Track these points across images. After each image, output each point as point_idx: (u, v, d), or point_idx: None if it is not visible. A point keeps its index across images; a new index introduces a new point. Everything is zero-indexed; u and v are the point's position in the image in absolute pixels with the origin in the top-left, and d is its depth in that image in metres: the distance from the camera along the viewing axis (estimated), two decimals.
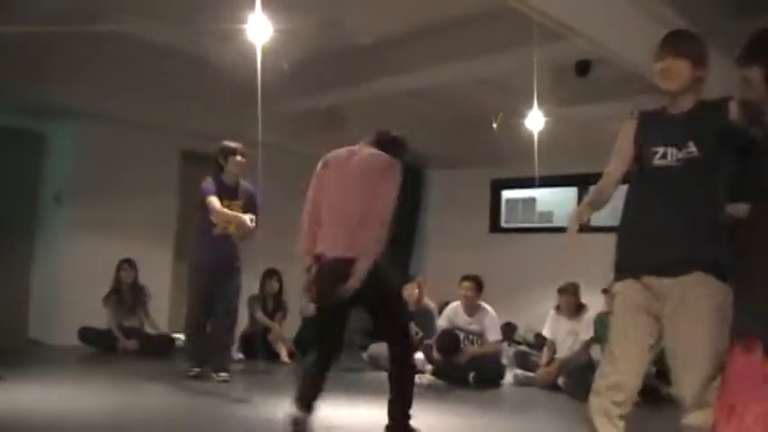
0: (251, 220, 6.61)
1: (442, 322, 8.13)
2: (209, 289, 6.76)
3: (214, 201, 6.62)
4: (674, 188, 3.15)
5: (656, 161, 3.20)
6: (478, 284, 7.99)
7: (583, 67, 8.42)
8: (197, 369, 6.73)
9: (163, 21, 7.65)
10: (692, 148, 3.11)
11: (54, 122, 9.13)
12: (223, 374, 6.71)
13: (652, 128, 3.30)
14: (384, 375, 7.94)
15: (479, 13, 7.32)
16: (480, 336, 7.91)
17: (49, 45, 7.48)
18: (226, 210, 6.65)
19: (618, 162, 3.42)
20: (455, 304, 8.13)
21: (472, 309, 7.98)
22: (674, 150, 3.15)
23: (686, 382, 3.06)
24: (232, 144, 6.90)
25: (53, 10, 7.09)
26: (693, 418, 3.01)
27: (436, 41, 7.85)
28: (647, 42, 6.11)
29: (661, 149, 3.19)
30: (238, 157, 6.84)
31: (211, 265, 6.75)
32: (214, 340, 6.87)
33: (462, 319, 7.98)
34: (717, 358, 2.90)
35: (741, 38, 6.43)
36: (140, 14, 7.55)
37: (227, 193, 6.79)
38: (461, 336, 7.90)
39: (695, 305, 3.01)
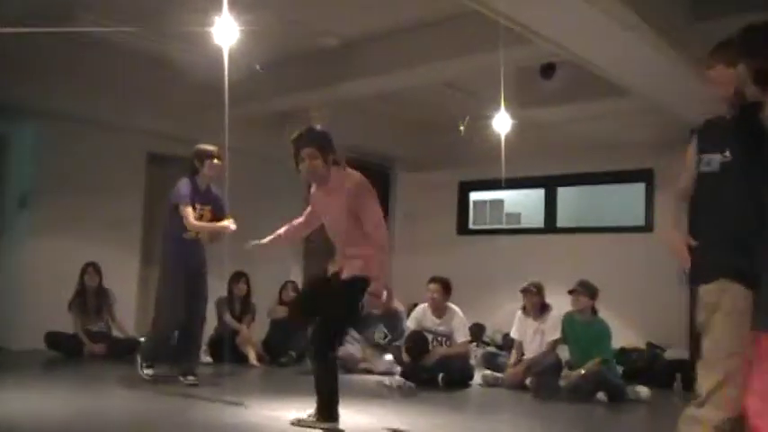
0: (230, 223, 6.68)
1: (410, 324, 8.15)
2: (186, 292, 6.73)
3: (190, 212, 6.59)
4: (712, 195, 3.19)
5: (702, 168, 3.23)
6: (446, 286, 8.01)
7: (548, 70, 8.49)
8: (150, 371, 6.66)
9: (129, 23, 7.61)
10: (727, 153, 3.12)
11: (17, 123, 9.02)
12: (191, 378, 6.67)
13: (704, 136, 3.32)
14: (352, 378, 8.01)
15: (445, 16, 7.37)
16: (448, 337, 7.93)
17: (10, 45, 7.40)
18: (202, 223, 6.65)
19: (685, 173, 3.40)
20: (423, 306, 8.15)
21: (440, 310, 8.01)
22: (717, 157, 3.17)
23: (703, 380, 3.08)
24: (208, 147, 6.83)
25: (16, 9, 7.03)
26: (700, 411, 3.04)
27: (402, 44, 7.89)
28: (611, 45, 6.22)
29: (706, 156, 3.22)
30: (215, 161, 6.79)
31: (185, 268, 6.70)
32: (189, 343, 6.85)
33: (430, 321, 8.00)
34: (735, 360, 2.91)
35: (702, 40, 6.52)
36: (107, 16, 7.51)
37: (200, 198, 6.76)
38: (430, 337, 7.93)
39: (720, 311, 3.04)
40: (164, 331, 6.93)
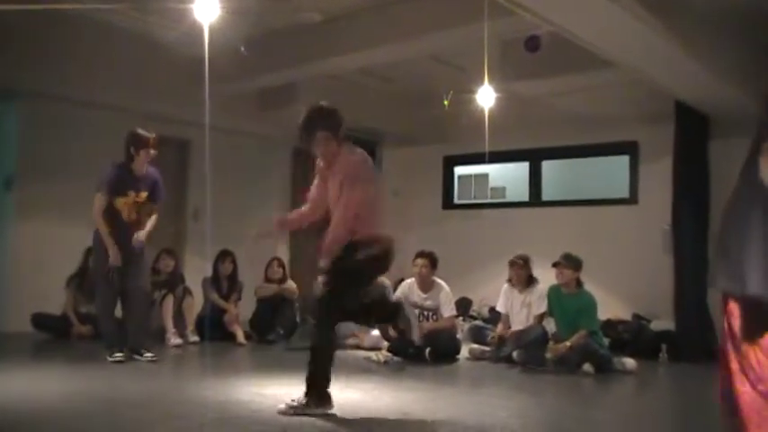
0: (142, 236, 6.78)
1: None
2: (118, 272, 6.72)
3: (100, 203, 6.62)
4: None
5: None
6: (433, 261, 8.03)
7: (532, 43, 8.46)
8: (120, 354, 6.62)
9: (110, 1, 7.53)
10: None
11: (0, 104, 8.92)
12: (148, 354, 6.73)
13: None
14: (340, 354, 8.00)
15: None
16: (435, 312, 7.96)
17: None
18: (102, 222, 6.63)
19: None
20: (410, 281, 8.17)
21: (427, 285, 8.03)
22: None
23: None
24: (144, 134, 6.77)
25: None
26: None
27: (385, 18, 7.84)
28: (595, 17, 6.19)
29: None
30: (151, 151, 6.74)
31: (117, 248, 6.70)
32: (131, 322, 6.88)
33: (417, 296, 8.02)
34: None
35: (687, 12, 6.51)
36: None
37: (133, 185, 6.74)
38: (416, 312, 7.95)
39: None
40: (105, 315, 6.93)
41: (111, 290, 6.74)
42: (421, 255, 8.07)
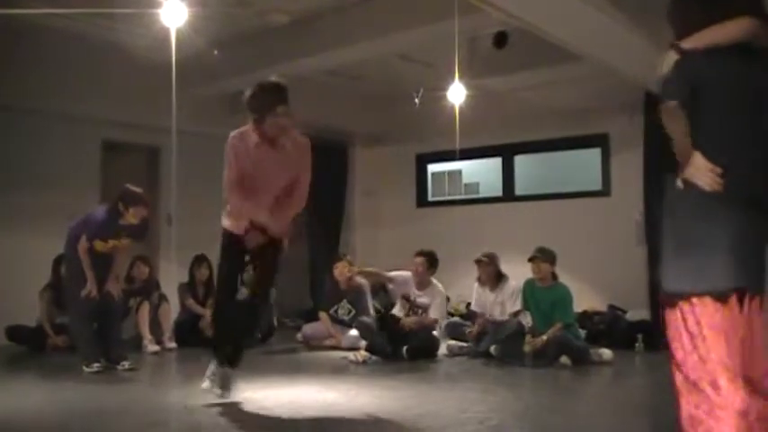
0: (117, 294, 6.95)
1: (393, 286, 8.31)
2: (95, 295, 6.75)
3: (84, 247, 6.63)
4: None
5: None
6: (430, 260, 8.06)
7: (501, 39, 8.50)
8: (97, 365, 6.58)
9: (76, 7, 7.48)
10: None
11: None
12: (125, 363, 6.71)
13: None
14: (318, 355, 8.03)
15: None
16: (425, 309, 7.95)
17: None
18: (87, 260, 6.65)
19: None
20: (408, 274, 8.13)
21: (423, 283, 8.02)
22: None
23: None
24: (136, 192, 6.72)
25: None
26: None
27: (353, 17, 7.85)
28: (562, 12, 6.23)
29: None
30: (142, 210, 6.68)
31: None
32: (107, 332, 6.87)
33: (412, 291, 8.01)
34: None
35: (648, 3, 6.54)
36: (52, 3, 7.36)
37: (116, 234, 6.72)
38: (407, 306, 7.97)
39: None
40: (75, 324, 6.98)
41: (86, 300, 6.69)
42: (420, 253, 8.09)
